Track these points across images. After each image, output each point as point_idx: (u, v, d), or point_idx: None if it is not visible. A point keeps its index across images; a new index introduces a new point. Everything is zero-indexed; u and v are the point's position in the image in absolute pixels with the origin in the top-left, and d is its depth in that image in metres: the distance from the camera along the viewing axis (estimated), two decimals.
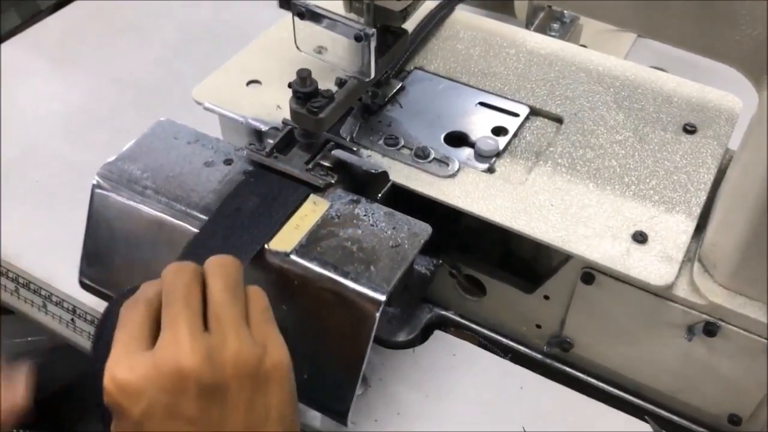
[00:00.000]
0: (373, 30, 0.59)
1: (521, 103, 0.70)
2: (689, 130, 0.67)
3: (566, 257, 0.61)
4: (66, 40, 0.99)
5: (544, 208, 0.61)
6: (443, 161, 0.65)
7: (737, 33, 0.50)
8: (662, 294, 0.59)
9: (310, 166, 0.62)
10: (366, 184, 0.63)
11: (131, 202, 0.61)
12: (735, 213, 0.56)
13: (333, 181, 0.61)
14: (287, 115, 0.63)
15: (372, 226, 0.58)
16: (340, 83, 0.64)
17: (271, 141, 0.64)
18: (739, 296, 0.57)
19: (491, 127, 0.69)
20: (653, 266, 0.57)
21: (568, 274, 0.62)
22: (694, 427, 0.66)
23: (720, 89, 0.71)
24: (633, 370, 0.66)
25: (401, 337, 0.68)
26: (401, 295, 0.66)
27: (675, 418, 0.66)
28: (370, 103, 0.69)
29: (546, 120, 0.70)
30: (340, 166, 0.63)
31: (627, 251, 0.58)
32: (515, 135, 0.68)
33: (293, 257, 0.56)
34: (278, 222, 0.58)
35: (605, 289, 0.61)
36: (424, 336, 0.68)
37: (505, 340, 0.70)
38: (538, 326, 0.68)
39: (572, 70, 0.73)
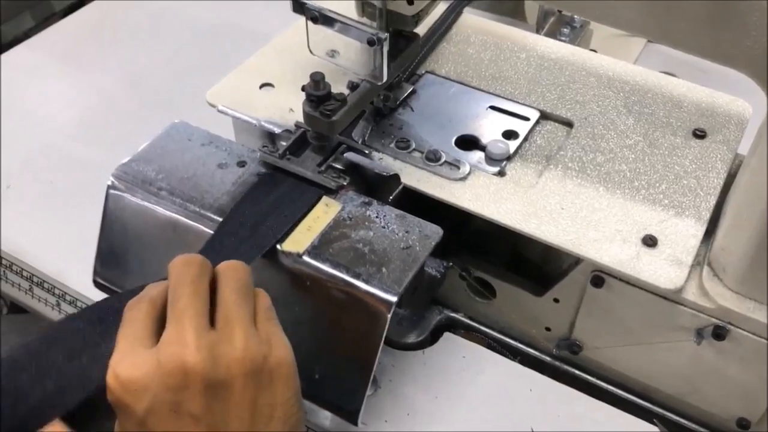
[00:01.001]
0: (386, 34, 0.60)
1: (532, 107, 0.71)
2: (699, 135, 0.68)
3: (576, 260, 0.62)
4: (80, 43, 1.00)
5: (554, 212, 0.61)
6: (454, 164, 0.65)
7: (747, 38, 0.50)
8: (671, 297, 0.59)
9: (322, 168, 0.63)
10: (377, 187, 0.63)
11: (146, 203, 0.62)
12: (744, 217, 0.56)
13: (345, 183, 0.62)
14: (300, 118, 0.64)
15: (383, 228, 0.59)
16: (353, 87, 0.65)
17: (284, 143, 0.64)
18: (748, 300, 0.58)
19: (502, 131, 0.69)
20: (663, 270, 0.58)
21: (577, 277, 0.63)
22: (702, 430, 0.66)
23: (730, 94, 0.71)
24: (642, 373, 0.66)
25: (411, 339, 0.69)
26: (411, 297, 0.66)
27: (683, 421, 0.66)
28: (381, 106, 0.70)
29: (556, 124, 0.70)
30: (352, 169, 0.63)
31: (637, 255, 0.59)
32: (526, 139, 0.68)
33: (306, 258, 0.57)
34: (291, 223, 0.59)
35: (615, 292, 0.61)
36: (433, 338, 0.69)
37: (514, 343, 0.70)
38: (548, 329, 0.68)
39: (582, 74, 0.74)
